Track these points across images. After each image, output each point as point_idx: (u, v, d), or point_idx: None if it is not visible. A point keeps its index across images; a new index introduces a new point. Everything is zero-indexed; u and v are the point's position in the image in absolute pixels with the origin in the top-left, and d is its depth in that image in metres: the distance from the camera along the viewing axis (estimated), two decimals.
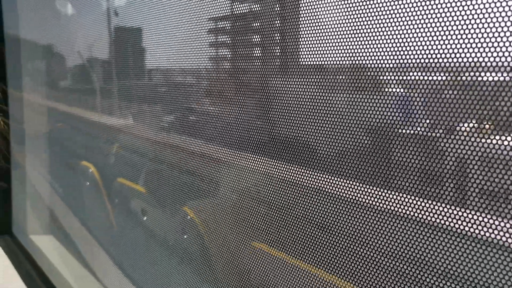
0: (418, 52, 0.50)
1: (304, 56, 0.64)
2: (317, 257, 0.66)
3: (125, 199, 1.53)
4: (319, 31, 0.61)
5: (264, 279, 0.78)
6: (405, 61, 0.52)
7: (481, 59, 0.44)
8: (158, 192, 1.26)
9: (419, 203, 0.51)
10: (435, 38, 0.47)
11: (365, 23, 0.55)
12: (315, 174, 0.64)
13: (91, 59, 1.61)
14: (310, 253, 0.67)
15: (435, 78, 0.50)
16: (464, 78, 0.46)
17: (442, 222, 0.49)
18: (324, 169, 0.63)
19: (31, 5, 2.09)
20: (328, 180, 0.63)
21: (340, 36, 0.59)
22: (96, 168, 1.78)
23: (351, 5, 0.57)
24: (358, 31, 0.56)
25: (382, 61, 0.54)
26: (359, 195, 0.59)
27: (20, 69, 2.15)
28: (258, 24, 0.78)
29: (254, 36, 0.80)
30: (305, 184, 0.66)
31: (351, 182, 0.60)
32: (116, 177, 1.59)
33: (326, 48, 0.61)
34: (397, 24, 0.51)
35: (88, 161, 1.85)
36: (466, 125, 0.47)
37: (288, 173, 0.71)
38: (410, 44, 0.51)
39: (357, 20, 0.56)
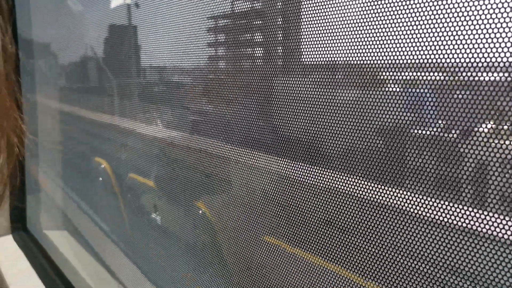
0: (432, 50, 0.49)
1: (317, 54, 0.64)
2: (326, 249, 0.66)
3: (137, 194, 1.54)
4: (328, 27, 0.61)
5: (275, 273, 0.78)
6: (419, 59, 0.51)
7: (504, 59, 0.43)
8: (170, 188, 1.26)
9: (431, 202, 0.50)
10: (454, 35, 0.46)
11: (376, 20, 0.54)
12: (327, 172, 0.64)
13: (103, 59, 1.61)
14: (322, 246, 0.67)
15: (451, 77, 0.50)
16: (482, 78, 0.45)
17: (447, 220, 0.48)
18: (335, 167, 0.62)
19: (43, 5, 2.10)
20: (340, 178, 0.63)
21: (348, 34, 0.59)
22: (108, 164, 1.79)
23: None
24: (369, 28, 0.56)
25: (394, 60, 0.53)
26: (369, 193, 0.59)
27: (33, 67, 2.17)
28: (271, 22, 0.77)
29: (272, 34, 0.79)
30: (320, 182, 0.66)
31: (361, 180, 0.60)
32: (128, 173, 1.60)
33: (335, 46, 0.61)
34: (410, 20, 0.51)
35: (100, 157, 1.87)
36: (482, 126, 0.46)
37: (300, 171, 0.71)
38: (422, 41, 0.50)
39: (368, 16, 0.55)
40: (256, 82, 0.81)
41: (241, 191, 0.89)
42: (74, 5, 1.86)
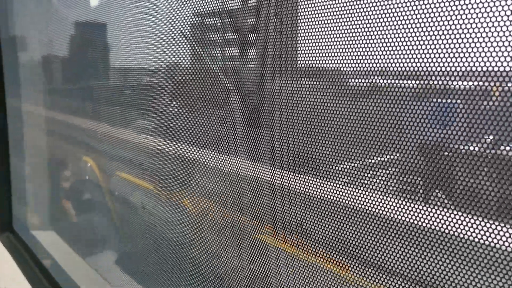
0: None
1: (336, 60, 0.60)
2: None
3: (124, 192, 1.52)
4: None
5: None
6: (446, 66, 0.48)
7: None
8: (157, 186, 1.25)
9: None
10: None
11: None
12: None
13: (92, 62, 1.59)
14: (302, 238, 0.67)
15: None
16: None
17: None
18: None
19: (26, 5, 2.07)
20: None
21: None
22: (95, 162, 1.77)
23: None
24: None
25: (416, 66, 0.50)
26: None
27: (17, 68, 2.14)
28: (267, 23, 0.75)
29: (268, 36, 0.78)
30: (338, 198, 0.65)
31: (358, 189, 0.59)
32: (115, 172, 1.59)
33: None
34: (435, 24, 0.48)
35: (87, 157, 1.85)
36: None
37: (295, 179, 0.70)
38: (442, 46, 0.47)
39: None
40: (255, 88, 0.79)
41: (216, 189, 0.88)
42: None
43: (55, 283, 1.68)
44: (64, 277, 1.72)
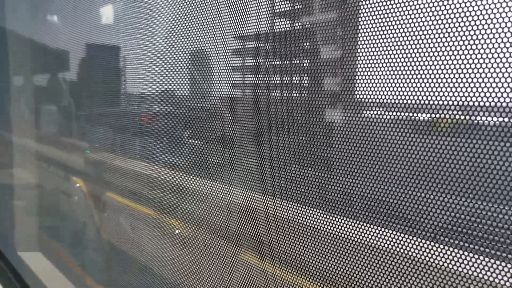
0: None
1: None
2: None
3: (114, 213, 1.51)
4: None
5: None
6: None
7: None
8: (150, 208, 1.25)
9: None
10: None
11: None
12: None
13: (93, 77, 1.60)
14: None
15: None
16: None
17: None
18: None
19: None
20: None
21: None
22: (84, 183, 1.76)
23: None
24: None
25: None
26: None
27: (9, 84, 2.14)
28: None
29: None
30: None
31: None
32: (105, 192, 1.58)
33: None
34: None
35: (76, 177, 1.84)
36: None
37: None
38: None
39: None
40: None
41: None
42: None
43: None
44: None
